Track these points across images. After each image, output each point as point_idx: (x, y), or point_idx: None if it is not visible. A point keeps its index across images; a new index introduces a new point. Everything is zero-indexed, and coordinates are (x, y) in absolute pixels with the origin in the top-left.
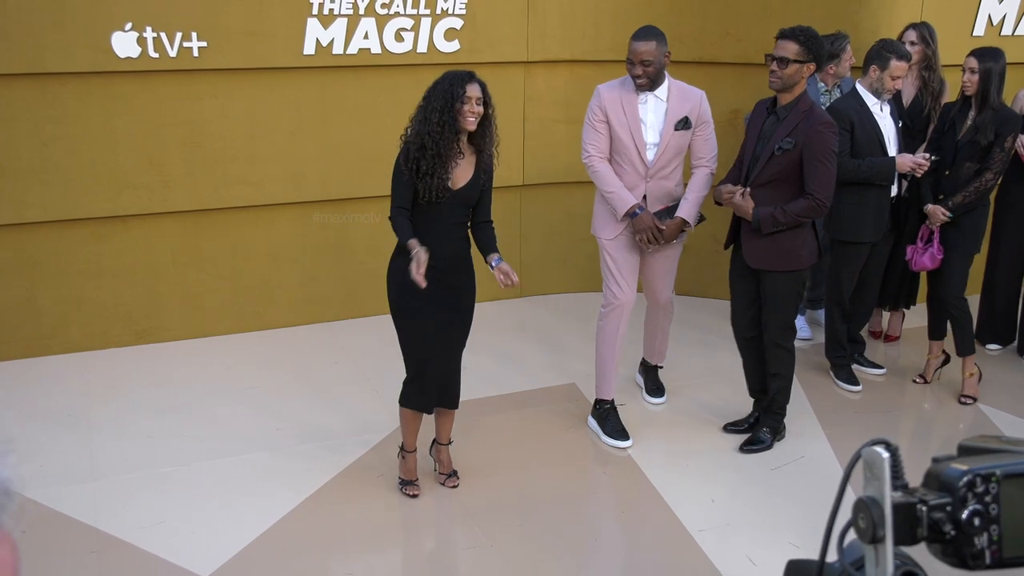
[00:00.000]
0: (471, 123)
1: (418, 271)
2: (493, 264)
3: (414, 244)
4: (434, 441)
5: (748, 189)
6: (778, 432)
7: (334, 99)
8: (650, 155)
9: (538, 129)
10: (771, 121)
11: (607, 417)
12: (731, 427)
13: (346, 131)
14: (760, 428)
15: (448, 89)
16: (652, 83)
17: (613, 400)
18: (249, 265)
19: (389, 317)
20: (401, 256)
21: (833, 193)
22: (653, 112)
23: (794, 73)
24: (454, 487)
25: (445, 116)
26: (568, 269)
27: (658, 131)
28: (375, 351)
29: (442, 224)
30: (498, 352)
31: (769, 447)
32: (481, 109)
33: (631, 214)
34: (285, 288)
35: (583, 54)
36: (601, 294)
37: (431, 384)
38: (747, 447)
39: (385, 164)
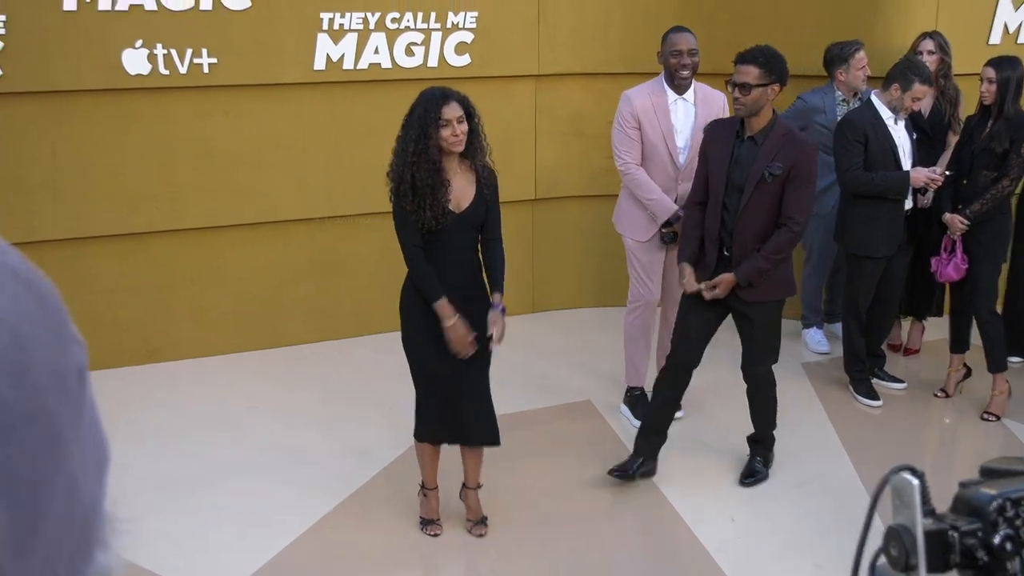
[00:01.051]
0: (457, 147)
1: (463, 344)
2: (492, 306)
3: (448, 312)
4: (463, 484)
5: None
6: (771, 458)
7: (344, 114)
8: (682, 159)
9: (550, 142)
10: (746, 147)
11: (638, 402)
12: (616, 472)
13: (357, 146)
14: (753, 458)
15: (422, 116)
16: (691, 81)
17: (643, 387)
18: (261, 282)
19: (401, 334)
20: (414, 289)
21: (807, 222)
22: (683, 115)
23: (759, 97)
24: (480, 536)
25: (420, 145)
26: (581, 284)
27: (687, 135)
28: (388, 370)
29: (452, 249)
30: (509, 369)
31: (766, 477)
32: (465, 127)
33: (673, 220)
34: (297, 305)
35: (595, 66)
36: (616, 309)
37: (443, 414)
38: (747, 480)
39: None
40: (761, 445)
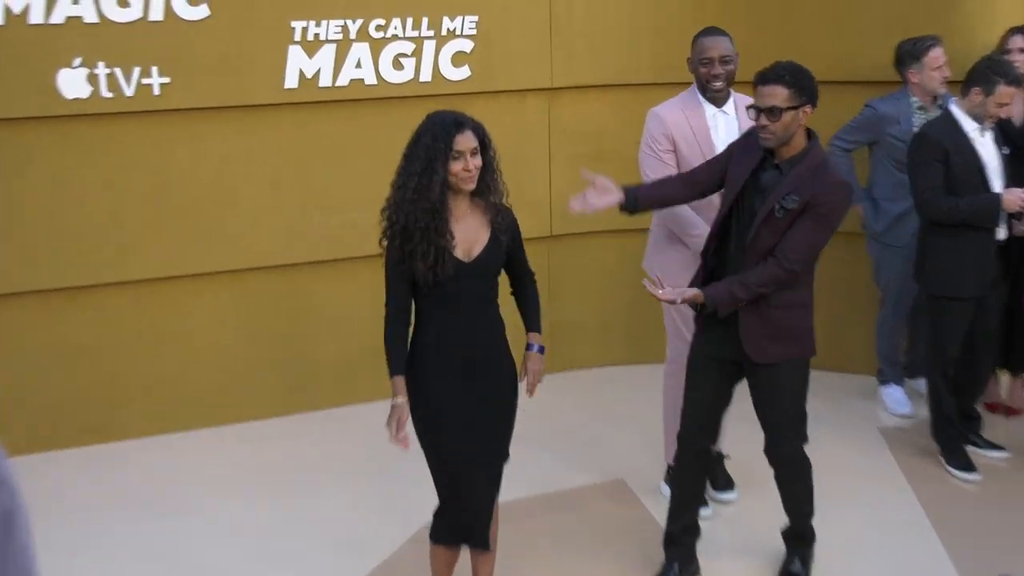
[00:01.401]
0: (468, 183)
1: (396, 434)
2: (529, 348)
3: (399, 388)
4: None
5: (681, 291)
6: (811, 556)
7: (323, 140)
8: None
9: (567, 168)
10: (771, 175)
11: None
12: None
13: (339, 178)
14: (792, 560)
15: (430, 145)
16: (726, 91)
17: None
18: (226, 343)
19: (390, 402)
20: (425, 348)
21: (805, 266)
22: (726, 132)
23: (790, 123)
24: None
25: (423, 180)
26: (608, 337)
27: None
28: (378, 446)
29: (459, 305)
30: (527, 442)
31: None
32: (479, 161)
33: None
34: (270, 369)
35: (618, 76)
36: (650, 367)
37: (468, 510)
38: None
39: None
40: (799, 540)
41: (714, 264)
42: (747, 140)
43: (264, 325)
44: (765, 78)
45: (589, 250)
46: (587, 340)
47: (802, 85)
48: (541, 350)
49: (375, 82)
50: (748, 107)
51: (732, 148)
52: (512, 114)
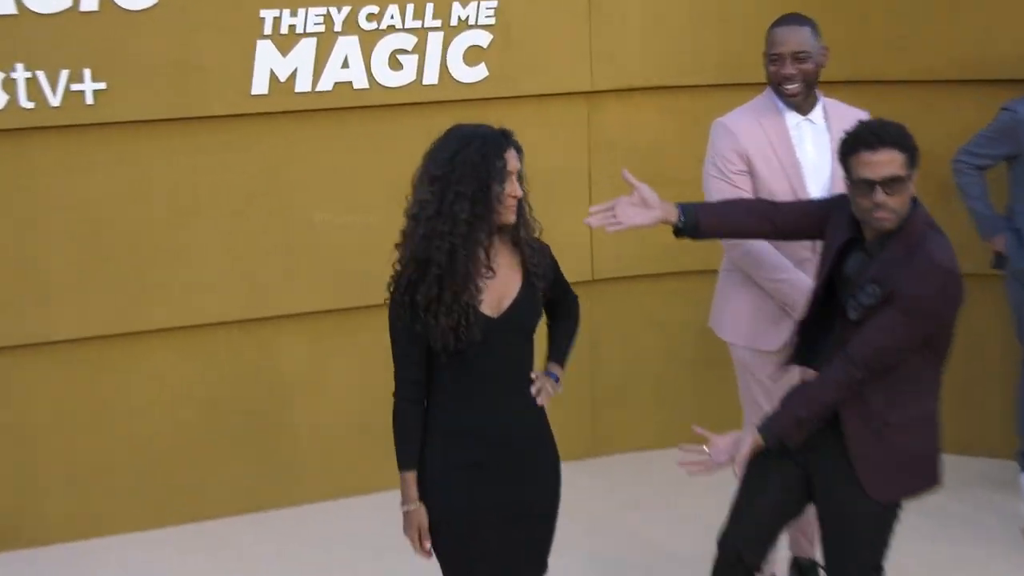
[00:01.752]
0: (512, 214)
1: (421, 546)
2: (548, 373)
3: (410, 494)
4: None
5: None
6: None
7: (300, 161)
8: None
9: (611, 192)
10: (856, 261)
11: None
12: None
13: (318, 209)
14: None
15: (479, 163)
16: (805, 95)
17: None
18: (175, 421)
19: (383, 497)
20: (433, 440)
21: (872, 373)
22: (813, 145)
23: (908, 198)
24: None
25: (478, 208)
26: (663, 412)
27: (826, 173)
28: (369, 548)
29: (487, 379)
30: (566, 549)
31: None
32: (520, 191)
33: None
34: (225, 458)
35: (676, 77)
36: None
37: None
38: None
39: (379, 262)
40: None
41: (813, 338)
42: (842, 203)
43: (224, 395)
44: (875, 141)
45: (639, 298)
46: (638, 416)
47: (913, 147)
48: (557, 380)
49: (366, 86)
50: (852, 180)
51: (832, 205)
52: (541, 125)
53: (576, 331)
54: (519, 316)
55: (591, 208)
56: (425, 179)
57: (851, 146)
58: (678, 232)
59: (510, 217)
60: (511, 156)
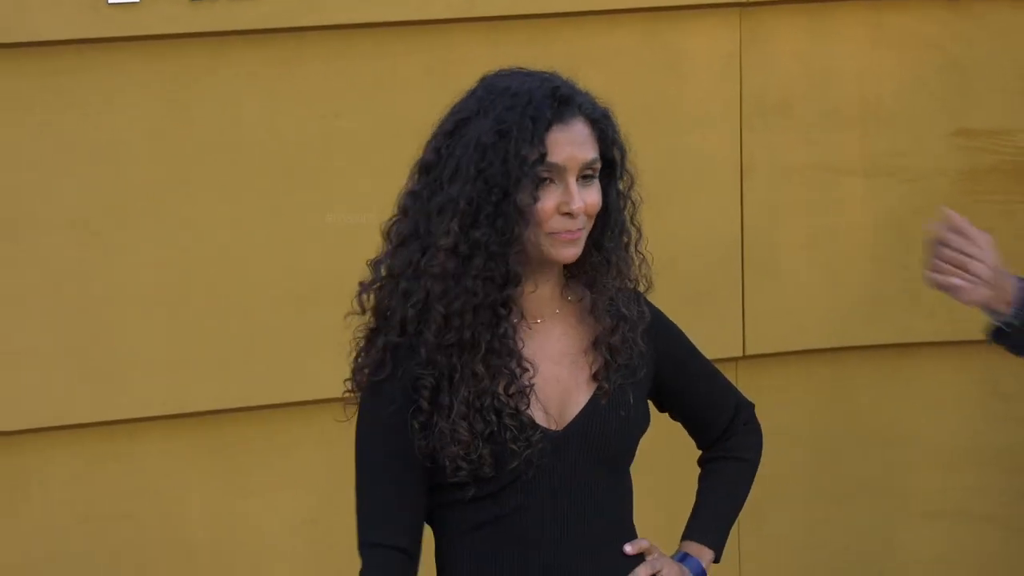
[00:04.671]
0: (571, 247)
1: None
2: (682, 558)
3: None
4: None
5: None
6: None
7: (197, 139)
8: None
9: (780, 196)
10: None
11: None
12: None
13: (249, 228)
14: None
15: (492, 150)
16: None
17: None
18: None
19: None
20: None
21: None
22: None
23: None
24: None
25: (488, 236)
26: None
27: None
28: None
29: (540, 543)
30: None
31: None
32: (596, 196)
33: None
34: None
35: None
36: None
37: None
38: None
39: (335, 308)
40: None
41: None
42: None
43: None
44: None
45: (817, 384)
46: None
47: None
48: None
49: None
50: None
51: None
52: (646, 69)
53: (749, 478)
54: (602, 428)
55: (938, 252)
56: (415, 167)
57: None
58: (999, 335)
59: (567, 251)
60: (563, 136)
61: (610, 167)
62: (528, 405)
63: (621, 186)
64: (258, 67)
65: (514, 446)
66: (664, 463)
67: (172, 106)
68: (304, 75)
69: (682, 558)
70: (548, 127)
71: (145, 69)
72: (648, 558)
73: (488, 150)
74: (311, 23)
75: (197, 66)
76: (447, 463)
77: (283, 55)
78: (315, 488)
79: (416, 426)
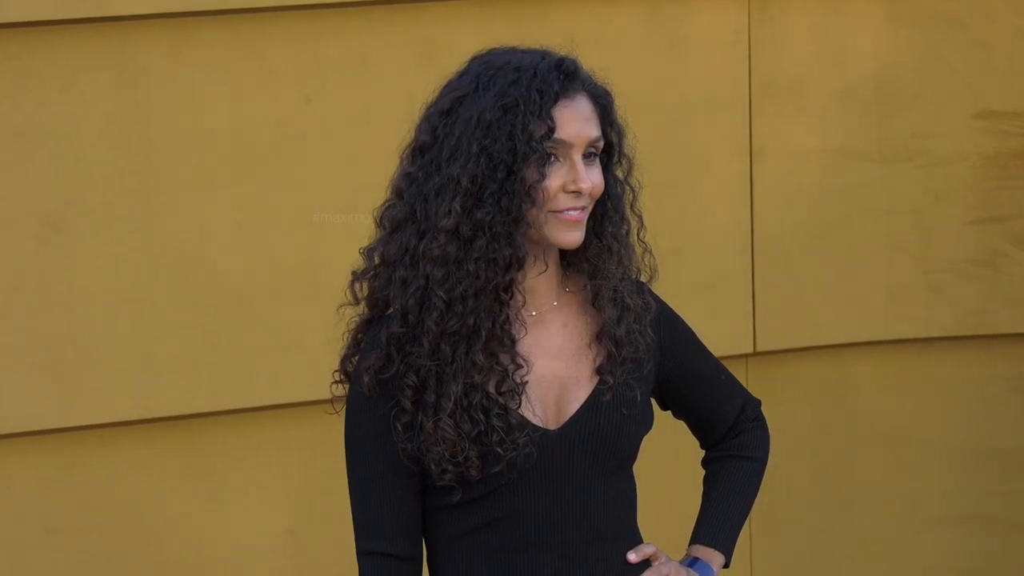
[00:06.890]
0: (575, 230)
1: None
2: (691, 563)
3: None
4: None
5: None
6: None
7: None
8: None
9: (792, 182)
10: None
11: None
12: None
13: (215, 227)
14: None
15: (497, 125)
16: None
17: None
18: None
19: None
20: None
21: None
22: None
23: None
24: None
25: (493, 218)
26: None
27: None
28: None
29: (537, 545)
30: None
31: None
32: (601, 180)
33: None
34: None
35: None
36: None
37: None
38: None
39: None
40: None
41: None
42: None
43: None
44: None
45: (826, 384)
46: None
47: None
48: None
49: None
50: None
51: None
52: (647, 48)
53: (758, 478)
54: (601, 427)
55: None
56: (408, 150)
57: None
58: None
59: (570, 234)
60: (569, 112)
61: (608, 150)
62: (519, 404)
63: (619, 172)
64: (224, 49)
65: (499, 449)
66: (670, 462)
67: (133, 92)
68: (272, 57)
69: (692, 563)
70: (555, 101)
71: (105, 52)
72: (654, 564)
73: (492, 125)
74: (279, 3)
75: (160, 49)
76: (432, 466)
77: (250, 37)
78: (294, 497)
79: (399, 428)
